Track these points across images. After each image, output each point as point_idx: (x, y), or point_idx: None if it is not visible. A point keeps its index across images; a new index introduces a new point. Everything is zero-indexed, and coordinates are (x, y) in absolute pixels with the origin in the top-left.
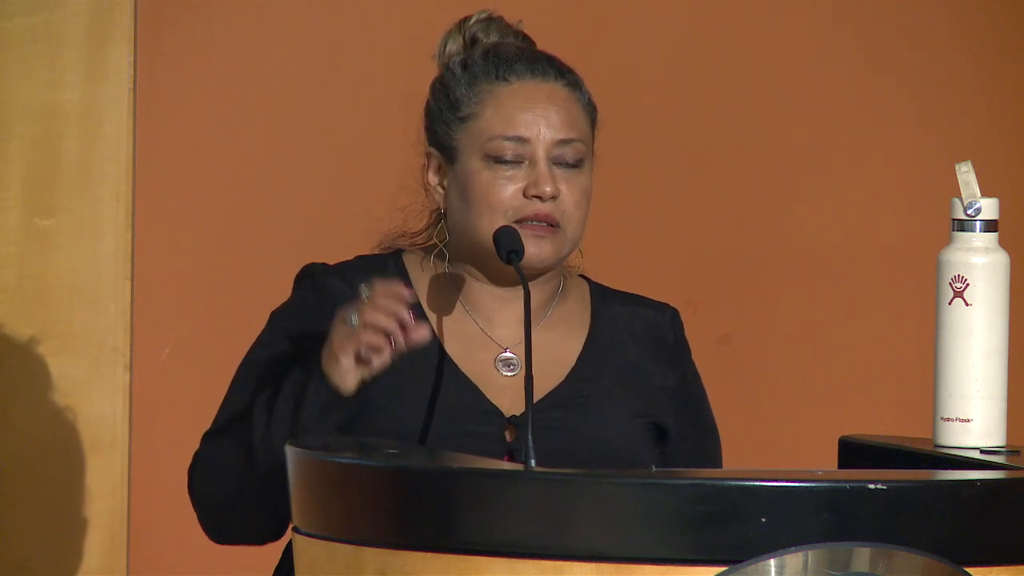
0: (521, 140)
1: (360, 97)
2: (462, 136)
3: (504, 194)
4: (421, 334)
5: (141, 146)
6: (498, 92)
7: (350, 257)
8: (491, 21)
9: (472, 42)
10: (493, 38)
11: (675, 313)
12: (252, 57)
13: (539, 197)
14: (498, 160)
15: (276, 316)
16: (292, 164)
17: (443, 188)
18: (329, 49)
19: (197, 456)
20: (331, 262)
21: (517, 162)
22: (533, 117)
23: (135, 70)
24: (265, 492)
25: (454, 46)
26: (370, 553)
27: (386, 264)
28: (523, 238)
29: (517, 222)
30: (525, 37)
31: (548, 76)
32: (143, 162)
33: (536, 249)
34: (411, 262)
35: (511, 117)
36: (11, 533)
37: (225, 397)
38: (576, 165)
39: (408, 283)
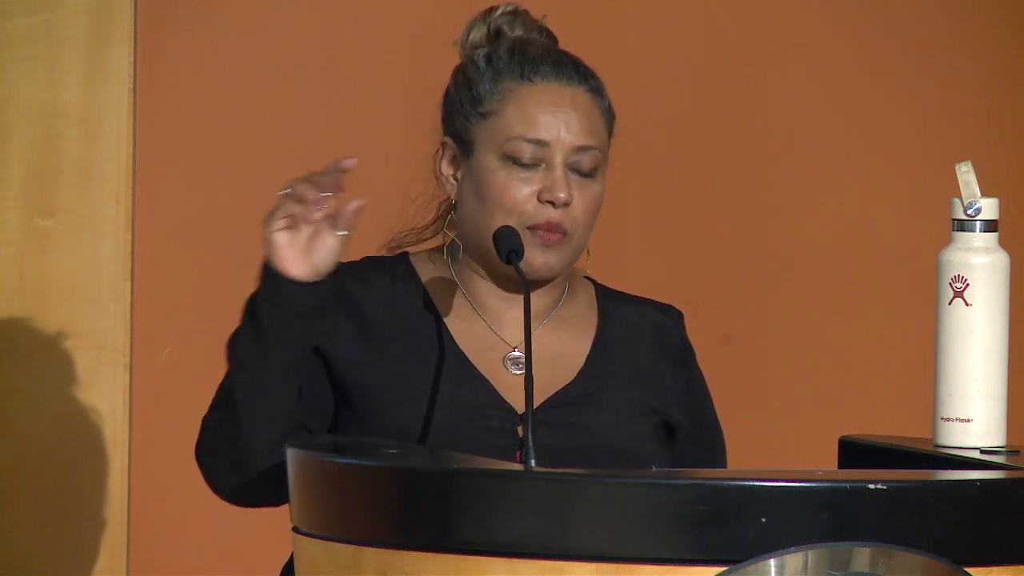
0: (540, 143)
1: (360, 97)
2: (481, 132)
3: (518, 196)
4: (346, 164)
5: (141, 146)
6: (521, 92)
7: (350, 257)
8: (516, 15)
9: (496, 34)
10: (518, 32)
11: (680, 315)
12: (252, 57)
13: (552, 203)
14: (515, 161)
15: None
16: (292, 164)
17: (456, 180)
18: (329, 49)
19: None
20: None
21: (534, 165)
22: (554, 120)
23: (135, 70)
24: (253, 416)
25: (478, 35)
26: (370, 553)
27: (395, 264)
28: (532, 246)
29: (528, 228)
30: (549, 33)
31: (573, 80)
32: (143, 162)
33: (544, 259)
34: (419, 262)
35: (532, 119)
36: (11, 533)
37: None
38: (591, 174)
39: (418, 284)
